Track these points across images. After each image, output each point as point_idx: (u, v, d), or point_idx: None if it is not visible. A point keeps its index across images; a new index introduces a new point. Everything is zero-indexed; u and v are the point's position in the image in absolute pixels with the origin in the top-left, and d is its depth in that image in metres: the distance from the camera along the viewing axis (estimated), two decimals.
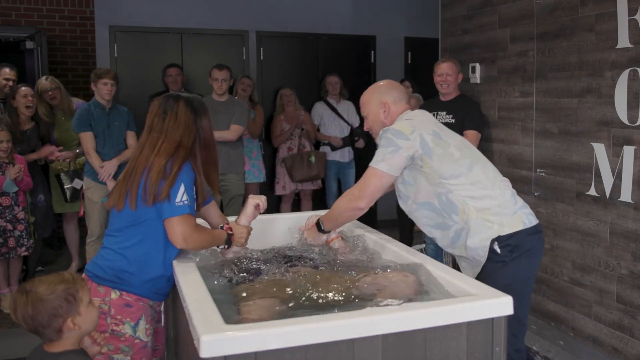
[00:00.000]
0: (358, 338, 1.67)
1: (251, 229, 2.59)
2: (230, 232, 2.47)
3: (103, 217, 4.71)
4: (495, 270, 2.38)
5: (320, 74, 6.68)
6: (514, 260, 2.37)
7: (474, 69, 4.48)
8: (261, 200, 2.63)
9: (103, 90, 4.51)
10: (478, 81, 4.47)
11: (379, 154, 2.46)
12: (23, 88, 4.66)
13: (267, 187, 6.26)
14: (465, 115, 4.22)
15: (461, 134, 4.16)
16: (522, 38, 4.01)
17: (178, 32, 6.38)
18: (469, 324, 1.81)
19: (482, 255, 2.39)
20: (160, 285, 2.30)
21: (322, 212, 2.72)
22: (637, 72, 3.13)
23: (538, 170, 3.90)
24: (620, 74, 3.22)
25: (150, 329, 2.32)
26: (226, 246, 2.46)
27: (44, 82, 4.90)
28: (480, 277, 2.37)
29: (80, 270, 5.20)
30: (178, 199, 2.16)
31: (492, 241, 2.37)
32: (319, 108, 6.24)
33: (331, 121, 6.18)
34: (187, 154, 2.25)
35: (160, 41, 6.35)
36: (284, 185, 6.04)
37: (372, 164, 2.46)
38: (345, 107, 6.24)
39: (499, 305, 1.85)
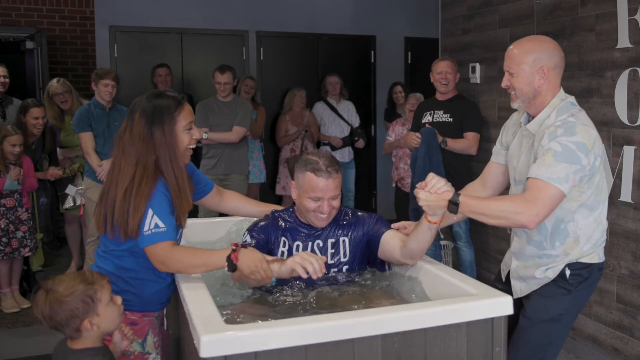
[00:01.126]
0: (358, 338, 1.67)
1: (272, 275, 2.03)
2: (234, 247, 2.02)
3: None
4: (556, 295, 2.24)
5: (320, 74, 6.68)
6: (578, 291, 2.22)
7: (474, 69, 4.48)
8: (311, 264, 1.99)
9: (103, 91, 4.51)
10: (478, 81, 4.47)
11: (557, 169, 2.03)
12: (35, 109, 4.55)
13: (267, 188, 6.27)
14: (463, 116, 4.22)
15: (459, 134, 4.18)
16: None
17: (178, 32, 6.38)
18: (469, 324, 1.81)
19: (549, 278, 2.24)
20: (162, 295, 2.22)
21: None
22: (637, 72, 3.13)
23: None
24: (620, 74, 3.21)
25: (159, 340, 2.25)
26: (227, 269, 2.02)
27: (55, 84, 4.88)
28: (535, 296, 2.27)
29: (79, 269, 5.22)
30: (146, 228, 1.97)
31: (566, 266, 2.21)
32: (319, 108, 6.24)
33: (331, 121, 6.18)
34: (149, 174, 2.01)
35: (160, 41, 6.35)
36: (284, 186, 6.04)
37: (553, 181, 2.02)
38: (345, 107, 6.24)
39: (499, 305, 1.85)
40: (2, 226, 4.23)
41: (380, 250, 2.33)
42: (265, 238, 2.32)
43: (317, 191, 2.22)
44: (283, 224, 2.37)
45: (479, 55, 4.47)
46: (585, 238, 2.20)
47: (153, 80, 5.93)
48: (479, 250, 4.46)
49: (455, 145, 4.10)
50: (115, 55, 6.25)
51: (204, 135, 4.78)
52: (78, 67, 6.25)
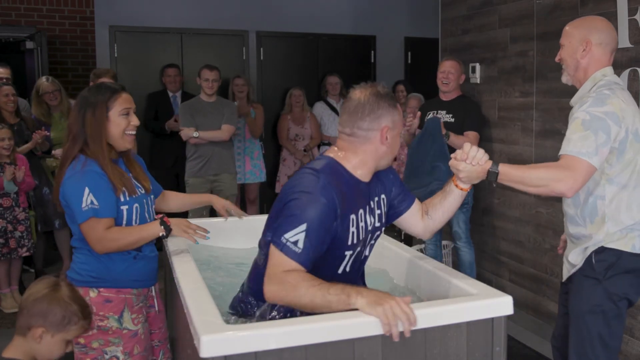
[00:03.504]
0: (358, 338, 1.67)
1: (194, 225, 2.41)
2: (164, 219, 2.31)
3: None
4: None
5: (320, 74, 6.68)
6: (608, 279, 2.24)
7: (474, 69, 4.48)
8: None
9: None
10: (478, 81, 4.47)
11: (587, 142, 2.09)
12: (5, 87, 4.59)
13: (267, 187, 6.28)
14: (465, 116, 4.22)
15: (461, 134, 4.18)
16: (522, 38, 4.01)
17: (178, 32, 6.38)
18: (468, 324, 1.81)
19: (579, 263, 2.31)
20: (136, 272, 2.29)
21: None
22: (637, 72, 3.13)
23: None
24: (620, 74, 3.21)
25: (140, 317, 2.30)
26: (165, 234, 2.29)
27: (45, 83, 4.88)
28: (572, 290, 2.34)
29: None
30: (83, 205, 2.14)
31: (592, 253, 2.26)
32: (319, 108, 6.24)
33: (331, 121, 6.18)
34: (82, 151, 2.21)
35: (160, 41, 6.35)
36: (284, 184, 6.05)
37: (583, 155, 2.08)
38: None
39: (499, 305, 1.85)
40: (1, 226, 4.23)
41: (400, 220, 2.16)
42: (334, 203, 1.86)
43: (400, 121, 2.01)
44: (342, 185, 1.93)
45: (479, 55, 4.47)
46: (612, 219, 2.22)
47: (162, 80, 5.94)
48: (479, 250, 4.46)
49: (456, 140, 4.09)
50: (115, 55, 6.25)
51: (195, 134, 4.78)
52: (78, 67, 6.25)
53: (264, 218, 3.00)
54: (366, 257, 2.08)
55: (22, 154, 4.43)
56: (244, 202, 5.93)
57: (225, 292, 2.34)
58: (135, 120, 2.30)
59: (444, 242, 4.54)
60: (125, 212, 2.24)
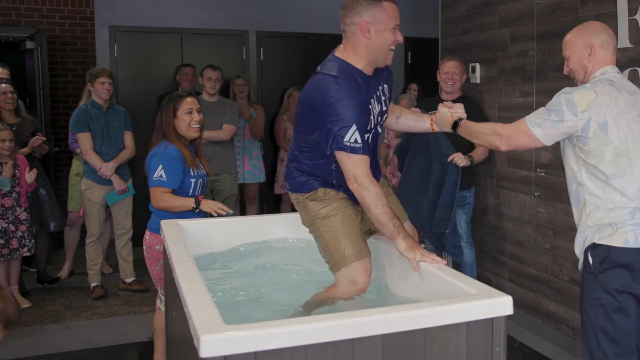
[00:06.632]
0: (358, 338, 1.67)
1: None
2: (199, 197, 3.15)
3: (102, 218, 4.72)
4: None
5: None
6: (602, 273, 2.31)
7: (474, 69, 4.48)
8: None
9: (101, 90, 4.51)
10: (478, 81, 4.47)
11: (540, 115, 2.37)
12: (3, 85, 4.59)
13: (266, 187, 6.27)
14: (468, 116, 4.21)
15: None
16: (522, 38, 4.01)
17: (178, 32, 6.38)
18: (468, 324, 1.81)
19: (579, 256, 2.42)
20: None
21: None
22: (637, 72, 3.13)
23: (538, 170, 3.90)
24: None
25: None
26: (195, 207, 3.07)
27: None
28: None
29: (72, 274, 5.24)
30: (155, 175, 3.05)
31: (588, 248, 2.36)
32: None
33: None
34: (163, 138, 3.14)
35: (160, 41, 6.35)
36: (282, 185, 6.04)
37: (528, 121, 2.38)
38: None
39: (499, 305, 1.85)
40: (1, 227, 4.23)
41: None
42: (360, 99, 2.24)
43: (397, 19, 2.31)
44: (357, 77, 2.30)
45: (479, 55, 4.47)
46: (592, 206, 2.32)
47: (176, 79, 5.95)
48: (479, 250, 4.46)
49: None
50: (115, 55, 6.25)
51: None
52: (78, 67, 6.25)
53: (265, 218, 3.03)
54: (378, 134, 2.46)
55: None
56: (243, 202, 5.93)
57: (226, 292, 2.34)
58: (196, 117, 3.16)
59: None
60: (192, 184, 3.14)
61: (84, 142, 4.52)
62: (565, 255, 3.70)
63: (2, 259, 4.28)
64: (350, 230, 2.29)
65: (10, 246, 4.28)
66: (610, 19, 3.27)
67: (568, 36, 2.49)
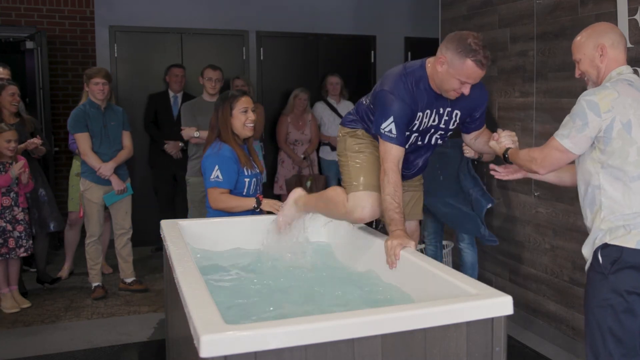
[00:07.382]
0: (358, 338, 1.67)
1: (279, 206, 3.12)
2: (259, 197, 3.23)
3: (102, 218, 4.72)
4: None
5: (320, 74, 6.68)
6: (613, 274, 2.28)
7: None
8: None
9: (96, 90, 4.51)
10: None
11: (565, 125, 2.32)
12: (11, 86, 4.59)
13: (266, 187, 6.27)
14: None
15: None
16: (522, 38, 4.01)
17: (178, 32, 6.38)
18: (468, 324, 1.81)
19: (588, 258, 2.38)
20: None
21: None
22: (638, 72, 3.13)
23: None
24: None
25: None
26: (256, 207, 3.16)
27: None
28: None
29: (72, 274, 5.24)
30: (212, 176, 3.14)
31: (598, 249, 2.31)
32: (319, 108, 6.24)
33: (331, 121, 6.18)
34: (218, 138, 3.23)
35: (160, 41, 6.35)
36: (282, 185, 6.05)
37: (557, 136, 2.34)
38: (346, 107, 6.22)
39: (499, 305, 1.85)
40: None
41: (465, 131, 2.87)
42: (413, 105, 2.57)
43: (471, 79, 2.49)
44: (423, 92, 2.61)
45: None
46: (608, 210, 2.28)
47: (165, 79, 5.94)
48: (479, 251, 4.46)
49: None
50: (115, 55, 6.25)
51: (196, 134, 4.78)
52: (78, 67, 6.25)
53: (265, 218, 3.03)
54: (424, 145, 2.79)
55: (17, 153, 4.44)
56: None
57: (226, 292, 2.34)
58: (251, 116, 3.25)
59: (444, 242, 4.53)
60: (246, 183, 3.22)
61: (82, 142, 4.52)
62: (565, 255, 3.70)
63: (1, 258, 4.28)
64: (371, 168, 2.70)
65: (8, 246, 4.28)
66: (610, 19, 3.27)
67: (577, 39, 2.45)
